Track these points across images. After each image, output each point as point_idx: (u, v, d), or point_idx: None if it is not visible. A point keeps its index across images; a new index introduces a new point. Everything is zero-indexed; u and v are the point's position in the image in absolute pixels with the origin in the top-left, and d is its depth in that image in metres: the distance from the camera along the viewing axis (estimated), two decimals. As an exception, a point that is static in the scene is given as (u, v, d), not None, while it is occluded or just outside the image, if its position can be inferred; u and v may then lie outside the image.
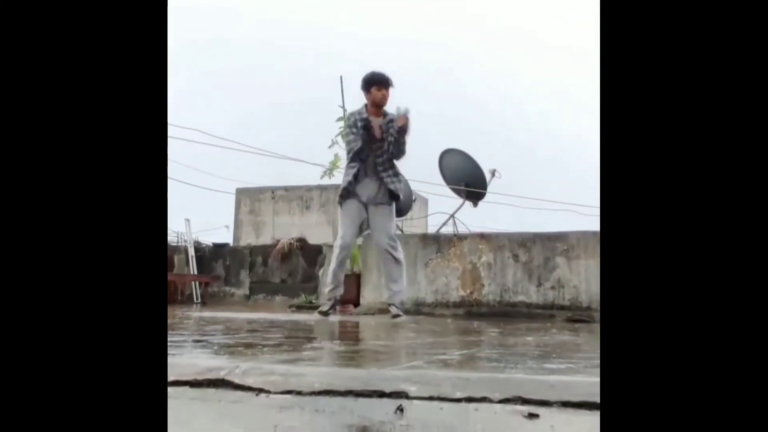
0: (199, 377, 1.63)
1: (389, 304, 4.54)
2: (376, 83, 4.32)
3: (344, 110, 6.24)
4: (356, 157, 4.37)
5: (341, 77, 6.41)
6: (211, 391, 1.56)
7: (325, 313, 4.51)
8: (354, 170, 4.38)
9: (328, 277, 4.66)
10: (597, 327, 4.10)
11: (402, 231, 7.07)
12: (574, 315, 5.33)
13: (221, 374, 1.63)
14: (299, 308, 6.42)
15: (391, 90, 4.39)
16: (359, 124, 4.32)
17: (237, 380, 1.59)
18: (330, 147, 6.24)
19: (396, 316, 4.31)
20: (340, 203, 4.53)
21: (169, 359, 1.79)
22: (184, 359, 1.94)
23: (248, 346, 2.35)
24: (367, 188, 4.43)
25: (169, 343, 2.31)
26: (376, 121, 4.35)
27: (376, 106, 4.36)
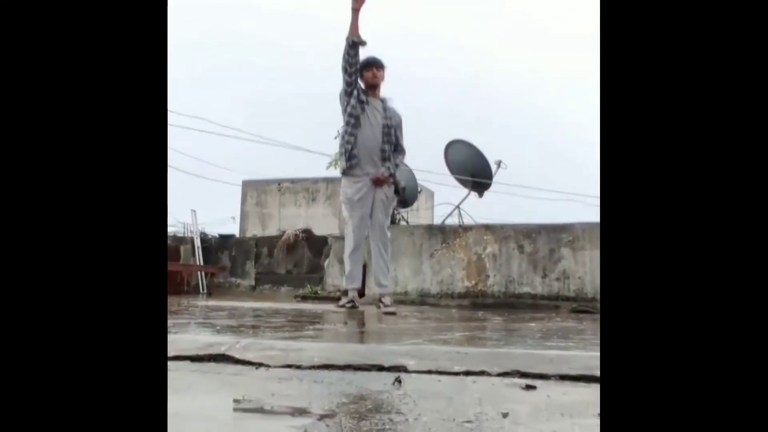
0: (201, 352, 1.64)
1: (381, 298, 4.36)
2: (365, 66, 4.31)
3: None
4: (356, 105, 4.27)
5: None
6: (211, 365, 1.57)
7: (343, 306, 4.39)
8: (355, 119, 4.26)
9: (346, 270, 4.51)
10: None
11: (407, 222, 7.07)
12: (579, 306, 5.32)
13: (222, 349, 1.64)
14: (304, 298, 6.43)
15: (384, 72, 4.36)
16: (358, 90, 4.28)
17: (237, 355, 1.60)
18: (336, 138, 6.26)
19: (389, 311, 4.09)
20: (347, 172, 4.32)
21: (172, 337, 1.80)
22: (186, 336, 1.95)
23: (251, 327, 2.36)
24: (371, 167, 4.29)
25: (173, 325, 2.33)
26: (374, 102, 4.32)
27: (371, 87, 4.34)
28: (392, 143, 4.36)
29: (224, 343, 1.68)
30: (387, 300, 4.30)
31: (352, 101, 4.26)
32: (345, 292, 4.54)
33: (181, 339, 1.78)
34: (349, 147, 4.26)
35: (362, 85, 4.34)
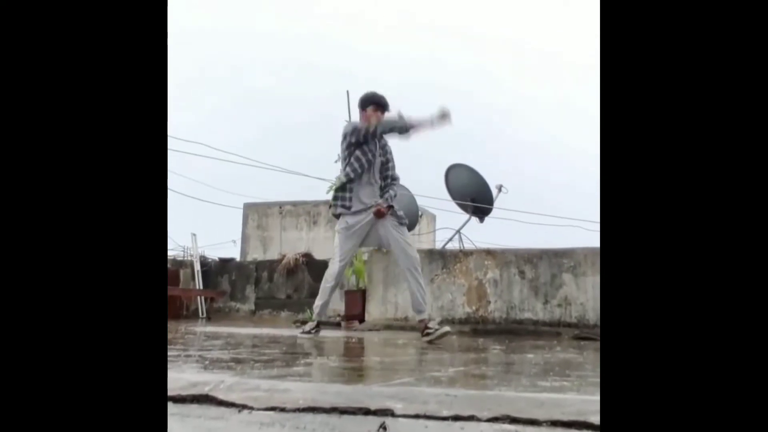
0: (183, 392, 1.60)
1: (426, 324, 4.13)
2: (372, 104, 4.33)
3: (350, 125, 6.25)
4: (360, 158, 4.28)
5: (348, 92, 6.44)
6: (193, 407, 1.52)
7: (309, 332, 4.31)
8: (359, 168, 4.28)
9: (321, 300, 4.43)
10: (603, 345, 4.02)
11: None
12: (581, 333, 5.25)
13: (205, 390, 1.59)
14: (304, 323, 6.37)
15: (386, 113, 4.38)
16: (360, 128, 4.29)
17: (221, 396, 1.55)
18: (336, 162, 6.25)
19: (443, 332, 3.98)
20: (343, 214, 4.34)
21: (157, 374, 1.76)
22: (171, 374, 1.90)
23: (241, 361, 2.32)
24: (370, 200, 4.31)
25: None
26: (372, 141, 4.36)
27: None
28: (389, 177, 4.39)
29: (209, 382, 1.64)
30: (432, 324, 4.15)
31: (358, 153, 4.27)
32: (314, 322, 4.44)
33: (165, 377, 1.73)
34: (349, 195, 4.29)
35: (361, 118, 4.35)
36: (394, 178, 4.48)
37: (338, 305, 6.59)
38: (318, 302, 4.41)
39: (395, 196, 4.42)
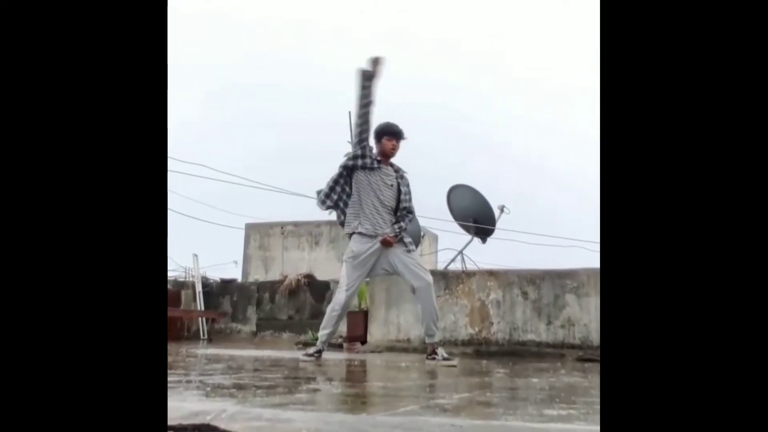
0: (185, 421, 1.58)
1: (434, 349, 4.22)
2: (387, 134, 4.34)
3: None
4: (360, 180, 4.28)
5: (350, 113, 6.46)
6: (194, 437, 1.50)
7: (311, 355, 4.22)
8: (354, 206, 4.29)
9: (327, 324, 4.36)
10: (607, 367, 3.98)
11: (410, 267, 7.01)
12: (585, 354, 5.21)
13: (207, 419, 1.57)
14: (306, 345, 6.33)
15: (402, 143, 4.39)
16: (370, 152, 4.30)
17: (222, 425, 1.53)
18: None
19: (450, 364, 3.97)
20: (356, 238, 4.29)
21: (157, 402, 1.74)
22: (172, 403, 1.88)
23: (243, 387, 2.29)
24: (380, 229, 4.29)
25: (162, 384, 2.26)
26: (385, 167, 4.37)
27: (385, 156, 4.38)
28: (402, 207, 4.37)
29: (210, 411, 1.62)
30: (441, 351, 4.18)
31: (365, 161, 4.26)
32: (318, 348, 4.33)
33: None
34: (361, 217, 4.27)
35: (376, 149, 4.36)
36: (410, 211, 4.48)
37: (340, 327, 6.56)
38: (323, 332, 4.34)
39: (405, 228, 4.39)
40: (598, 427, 1.42)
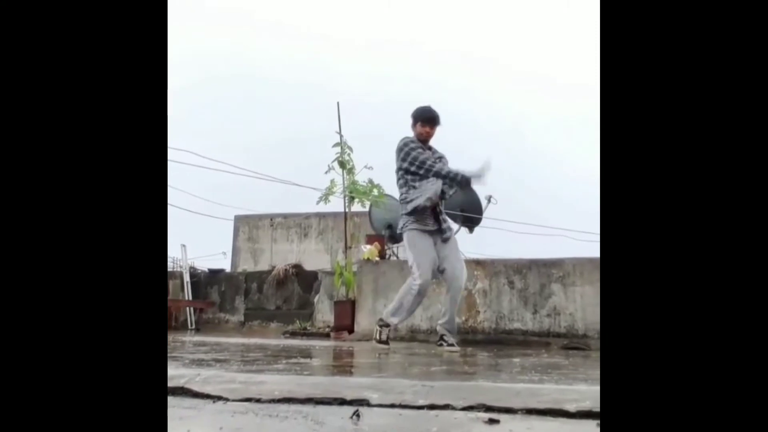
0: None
1: (443, 334, 4.31)
2: (421, 120, 4.31)
3: (341, 136, 6.27)
4: (432, 173, 4.22)
5: (338, 103, 6.46)
6: (168, 399, 1.50)
7: (385, 342, 4.30)
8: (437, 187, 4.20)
9: (401, 306, 4.40)
10: (591, 354, 4.02)
11: (397, 257, 7.02)
12: (570, 342, 5.23)
13: (181, 382, 1.58)
14: (293, 334, 6.33)
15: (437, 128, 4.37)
16: (420, 146, 4.29)
17: (196, 388, 1.54)
18: (327, 173, 6.27)
19: (452, 346, 4.10)
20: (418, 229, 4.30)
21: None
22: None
23: (222, 360, 2.30)
24: (432, 219, 4.33)
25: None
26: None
27: (421, 141, 4.35)
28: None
29: (185, 375, 1.62)
30: (449, 339, 4.25)
31: (425, 155, 4.25)
32: (386, 325, 4.41)
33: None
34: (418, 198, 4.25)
35: (413, 133, 4.34)
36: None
37: (327, 316, 6.57)
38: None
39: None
40: (566, 387, 1.44)
